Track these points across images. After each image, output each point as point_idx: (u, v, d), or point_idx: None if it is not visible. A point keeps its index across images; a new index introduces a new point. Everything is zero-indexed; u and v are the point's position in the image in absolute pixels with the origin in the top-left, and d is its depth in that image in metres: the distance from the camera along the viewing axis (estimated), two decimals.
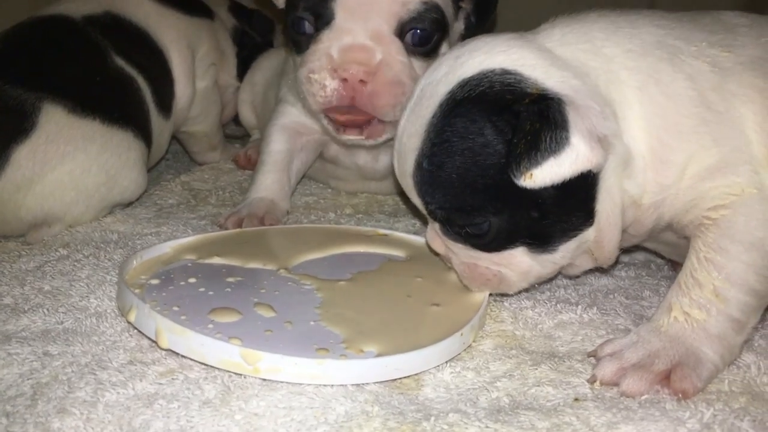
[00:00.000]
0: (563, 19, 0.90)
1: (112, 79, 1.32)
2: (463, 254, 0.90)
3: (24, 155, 1.13)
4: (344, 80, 1.10)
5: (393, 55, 1.11)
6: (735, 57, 0.85)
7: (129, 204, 1.35)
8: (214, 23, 1.67)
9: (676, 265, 1.08)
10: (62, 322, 0.89)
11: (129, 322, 0.84)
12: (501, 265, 0.88)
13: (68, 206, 1.19)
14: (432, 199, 0.86)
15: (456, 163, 0.81)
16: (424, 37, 1.14)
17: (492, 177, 0.80)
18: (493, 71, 0.81)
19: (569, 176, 0.76)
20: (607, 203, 0.83)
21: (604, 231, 0.85)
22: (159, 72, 1.45)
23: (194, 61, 1.55)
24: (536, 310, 0.95)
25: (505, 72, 0.81)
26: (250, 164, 1.62)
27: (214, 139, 1.70)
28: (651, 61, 0.84)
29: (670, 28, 0.87)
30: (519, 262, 0.87)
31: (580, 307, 0.96)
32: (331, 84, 1.11)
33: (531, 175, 0.75)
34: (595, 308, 0.96)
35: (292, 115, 1.34)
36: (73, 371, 0.78)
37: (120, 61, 1.34)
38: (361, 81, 1.10)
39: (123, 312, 0.86)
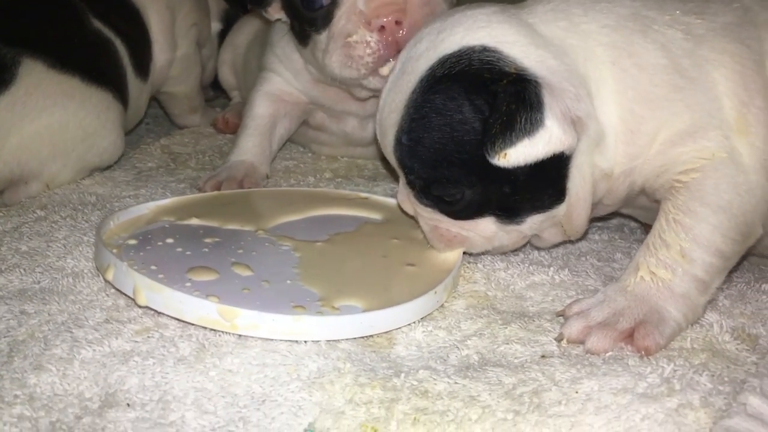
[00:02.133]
0: None
1: (90, 40, 1.32)
2: (429, 216, 0.92)
3: (2, 106, 1.13)
4: (381, 29, 1.08)
5: None
6: (707, 23, 0.86)
7: (107, 167, 1.36)
8: None
9: (648, 229, 1.10)
10: (39, 282, 0.90)
11: (107, 281, 0.85)
12: (466, 229, 0.90)
13: (45, 162, 1.19)
14: (410, 170, 0.87)
15: (434, 137, 0.83)
16: None
17: (468, 152, 0.82)
18: (472, 48, 0.82)
19: (542, 157, 0.77)
20: (577, 180, 0.85)
21: (574, 206, 0.87)
22: (136, 35, 1.45)
23: (175, 22, 1.54)
24: (509, 272, 0.97)
25: (485, 49, 0.82)
26: (229, 128, 1.64)
27: (195, 101, 1.71)
28: (625, 33, 0.85)
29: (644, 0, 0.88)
30: (484, 229, 0.89)
31: (552, 268, 0.98)
32: (373, 38, 1.08)
33: (505, 154, 0.77)
34: (566, 270, 0.97)
35: (277, 82, 1.34)
36: (49, 329, 0.79)
37: (98, 24, 1.34)
38: (397, 23, 1.08)
39: (101, 270, 0.87)
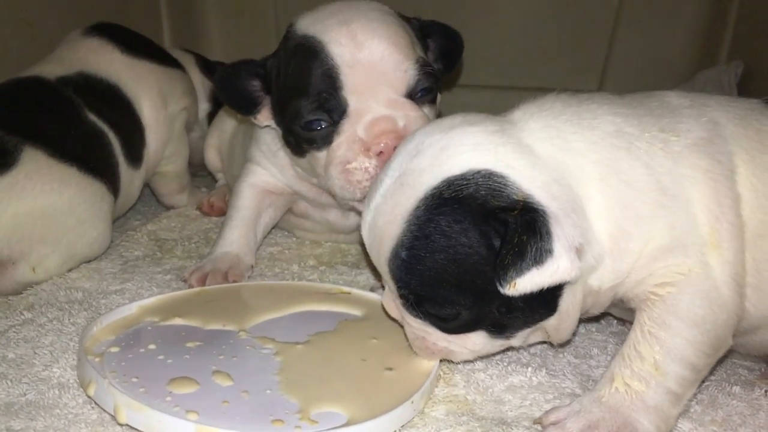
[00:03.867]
0: (534, 108, 0.92)
1: (85, 132, 1.37)
2: (417, 327, 0.93)
3: (2, 186, 1.18)
4: (379, 154, 1.10)
5: (412, 114, 1.12)
6: (682, 140, 0.88)
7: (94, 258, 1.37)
8: (185, 74, 1.73)
9: (622, 322, 1.13)
10: (25, 394, 0.91)
11: (89, 396, 0.86)
12: (452, 342, 0.91)
13: (35, 244, 1.21)
14: (406, 285, 0.87)
15: (436, 258, 0.83)
16: (427, 90, 1.16)
17: (468, 276, 0.83)
18: (479, 172, 0.83)
19: (548, 285, 0.79)
20: (569, 299, 0.86)
21: (563, 320, 0.89)
22: (128, 124, 1.50)
23: (167, 106, 1.59)
24: (488, 372, 0.99)
25: (491, 174, 0.83)
26: (214, 211, 1.67)
27: (184, 180, 1.74)
28: (611, 151, 0.87)
29: (624, 116, 0.90)
30: (473, 343, 0.91)
31: (530, 369, 0.99)
32: (371, 163, 1.11)
33: (515, 284, 0.78)
34: (544, 370, 0.99)
35: (261, 174, 1.37)
36: None
37: (92, 117, 1.39)
38: (395, 149, 1.09)
39: (83, 385, 0.88)
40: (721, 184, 0.86)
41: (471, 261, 0.82)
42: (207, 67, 1.95)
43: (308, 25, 1.17)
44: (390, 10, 1.21)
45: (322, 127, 1.15)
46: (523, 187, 0.82)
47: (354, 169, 1.12)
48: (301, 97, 1.14)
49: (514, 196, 0.81)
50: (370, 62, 1.11)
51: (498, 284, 0.78)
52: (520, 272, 0.77)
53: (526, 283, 0.78)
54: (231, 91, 1.22)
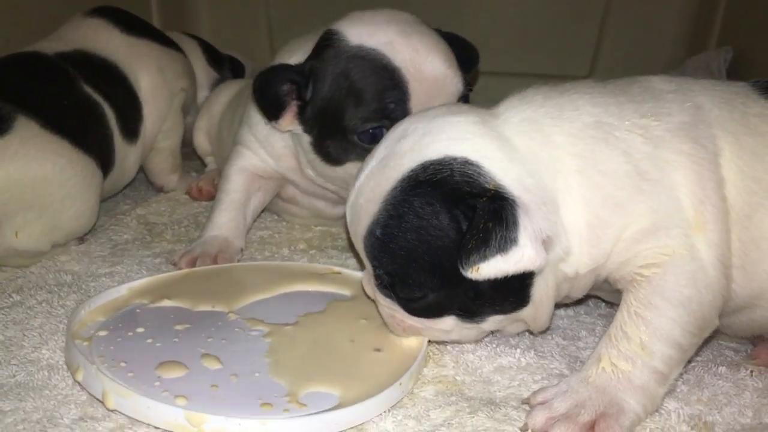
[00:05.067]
0: (516, 101, 0.94)
1: (80, 104, 1.38)
2: (387, 306, 0.95)
3: None
4: None
5: None
6: (664, 125, 0.89)
7: (83, 239, 1.37)
8: (185, 58, 1.75)
9: (609, 304, 1.13)
10: (14, 375, 0.91)
11: (77, 381, 0.87)
12: (424, 325, 0.93)
13: (22, 209, 1.21)
14: (379, 263, 0.89)
15: (408, 237, 0.85)
16: (465, 98, 1.20)
17: (437, 258, 0.85)
18: (455, 159, 0.85)
19: (512, 273, 0.80)
20: (541, 288, 0.88)
21: (537, 309, 0.90)
22: (125, 98, 1.51)
23: (166, 83, 1.60)
24: (477, 354, 0.99)
25: (467, 162, 0.84)
26: (202, 195, 1.67)
27: (177, 159, 1.74)
28: (589, 142, 0.88)
29: (605, 105, 0.91)
30: (443, 326, 0.92)
31: (518, 350, 1.00)
32: None
33: (478, 268, 0.79)
34: (532, 351, 1.00)
35: (250, 158, 1.36)
36: (25, 428, 0.80)
37: (88, 89, 1.41)
38: None
39: (71, 370, 0.89)
40: (704, 167, 0.87)
41: (440, 243, 0.84)
42: (215, 57, 1.96)
43: (363, 34, 1.16)
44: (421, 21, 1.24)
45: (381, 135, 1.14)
46: (497, 177, 0.84)
47: None
48: (361, 107, 1.15)
49: (486, 185, 0.83)
50: (434, 76, 1.15)
51: (461, 267, 0.80)
52: (483, 258, 0.78)
53: (489, 269, 0.79)
54: (266, 95, 1.21)
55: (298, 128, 1.23)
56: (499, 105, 0.95)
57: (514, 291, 0.87)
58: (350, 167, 1.20)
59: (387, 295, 0.93)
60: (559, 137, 0.88)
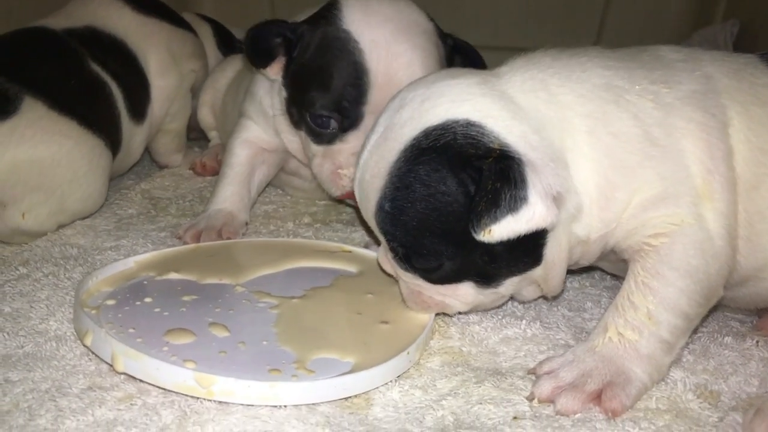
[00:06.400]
0: (521, 62, 0.93)
1: (87, 83, 1.37)
2: (410, 281, 0.94)
3: (3, 131, 1.18)
4: None
5: None
6: (674, 92, 0.88)
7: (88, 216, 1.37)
8: (197, 38, 1.73)
9: (612, 277, 1.14)
10: (23, 346, 0.91)
11: (85, 346, 0.87)
12: (445, 295, 0.92)
13: (29, 191, 1.21)
14: (392, 237, 0.89)
15: (417, 208, 0.84)
16: None
17: (449, 224, 0.84)
18: (457, 122, 0.84)
19: (524, 232, 0.79)
20: (554, 248, 0.87)
21: (550, 270, 0.90)
22: (133, 78, 1.50)
23: (176, 64, 1.59)
24: (483, 325, 1.00)
25: (469, 123, 0.83)
26: (206, 171, 1.67)
27: (183, 139, 1.74)
28: (599, 104, 0.87)
29: (615, 69, 0.90)
30: (464, 294, 0.92)
31: (524, 321, 1.00)
32: None
33: (490, 230, 0.78)
34: (538, 323, 1.00)
35: (254, 130, 1.36)
36: (33, 398, 0.81)
37: (95, 67, 1.39)
38: None
39: (79, 335, 0.89)
40: (713, 136, 0.87)
41: (450, 209, 0.83)
42: (225, 41, 1.95)
43: (356, 22, 1.15)
44: (431, 28, 1.21)
45: (329, 128, 1.17)
46: (501, 136, 0.83)
47: (344, 175, 1.18)
48: (321, 90, 1.15)
49: (491, 145, 0.82)
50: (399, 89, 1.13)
51: (472, 231, 0.79)
52: (494, 219, 0.78)
53: (501, 229, 0.78)
54: (255, 43, 1.22)
55: (282, 80, 1.25)
56: (502, 66, 0.94)
57: (528, 251, 0.86)
58: (305, 141, 1.23)
59: (407, 270, 0.92)
60: (568, 97, 0.88)
